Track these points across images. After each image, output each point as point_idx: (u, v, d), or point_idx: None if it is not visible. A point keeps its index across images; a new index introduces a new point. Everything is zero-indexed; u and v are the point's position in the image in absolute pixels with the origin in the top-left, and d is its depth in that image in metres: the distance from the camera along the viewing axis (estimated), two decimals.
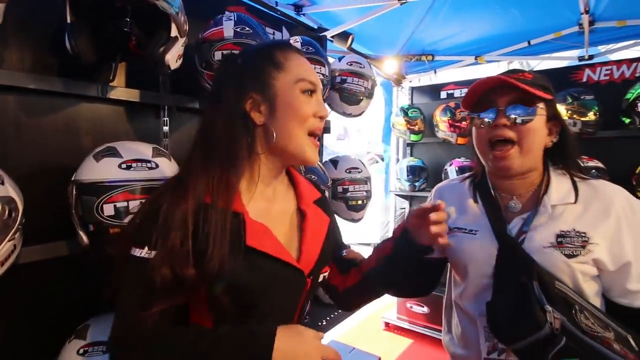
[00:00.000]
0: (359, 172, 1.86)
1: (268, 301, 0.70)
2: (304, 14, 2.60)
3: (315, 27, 2.66)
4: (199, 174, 0.69)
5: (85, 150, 1.05)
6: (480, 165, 0.97)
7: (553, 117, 0.89)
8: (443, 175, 3.26)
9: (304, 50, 1.50)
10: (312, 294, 0.83)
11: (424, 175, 3.38)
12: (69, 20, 0.92)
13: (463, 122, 3.08)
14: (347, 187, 1.81)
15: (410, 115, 3.36)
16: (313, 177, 1.53)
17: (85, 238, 0.93)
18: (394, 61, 3.47)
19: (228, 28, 1.21)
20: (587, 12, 2.30)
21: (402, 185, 3.40)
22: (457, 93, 3.52)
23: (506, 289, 0.82)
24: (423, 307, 3.28)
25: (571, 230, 0.82)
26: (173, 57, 1.04)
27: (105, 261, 0.94)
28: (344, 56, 2.01)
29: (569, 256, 0.81)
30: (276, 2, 2.40)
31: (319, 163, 1.65)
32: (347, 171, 1.84)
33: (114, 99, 1.20)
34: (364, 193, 1.85)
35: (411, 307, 3.33)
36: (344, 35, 2.53)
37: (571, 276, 0.81)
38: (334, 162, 1.89)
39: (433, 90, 3.71)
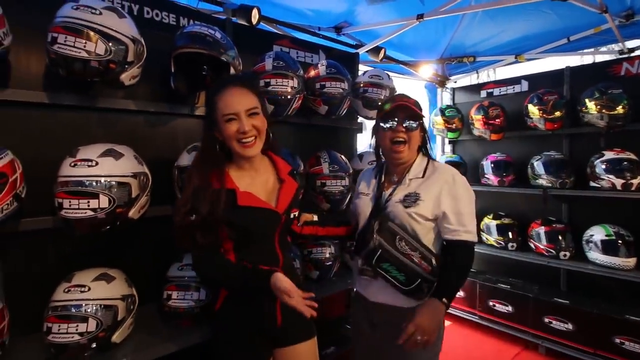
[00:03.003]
0: None
1: (259, 230, 1.26)
2: (344, 34, 3.09)
3: (354, 43, 3.14)
4: (199, 170, 1.21)
5: (180, 148, 1.68)
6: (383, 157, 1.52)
7: (423, 127, 1.43)
8: (479, 169, 3.49)
9: (327, 72, 2.00)
10: (287, 226, 1.38)
11: (462, 170, 3.61)
12: (172, 70, 1.54)
13: (497, 120, 3.28)
14: None
15: (447, 114, 3.63)
16: (335, 166, 2.02)
17: None
18: (431, 65, 3.76)
19: (268, 63, 1.77)
20: (604, 11, 2.40)
21: None
22: (496, 92, 3.67)
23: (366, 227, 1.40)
24: (459, 291, 3.52)
25: (413, 193, 1.36)
26: None
27: None
28: (375, 67, 2.45)
29: (405, 207, 1.35)
30: (319, 28, 2.95)
31: (342, 156, 2.12)
32: (370, 163, 2.28)
33: (199, 115, 1.81)
34: None
35: None
36: (376, 50, 2.96)
37: (407, 219, 1.34)
38: (360, 156, 2.37)
39: (473, 90, 3.90)
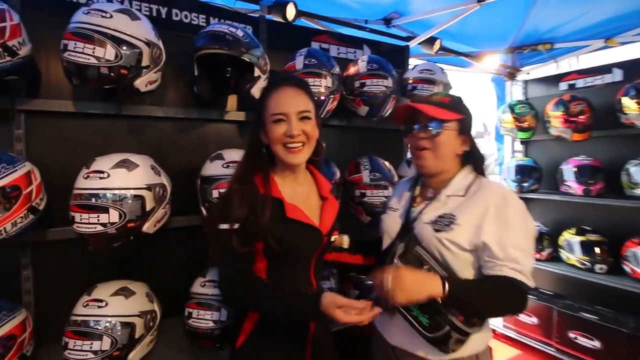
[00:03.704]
0: None
1: (299, 248, 1.09)
2: (394, 26, 2.82)
3: (405, 36, 2.85)
4: (242, 173, 1.09)
5: (210, 154, 1.59)
6: None
7: (464, 131, 1.14)
8: (557, 175, 2.98)
9: (368, 68, 1.78)
10: (326, 249, 1.19)
11: (536, 175, 3.13)
12: (195, 73, 1.45)
13: (581, 116, 2.76)
14: None
15: (517, 111, 3.17)
16: (377, 174, 1.80)
17: (204, 211, 1.45)
18: (498, 55, 3.32)
19: (299, 62, 1.61)
20: None
21: (509, 186, 3.22)
22: (579, 83, 3.11)
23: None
24: (532, 317, 3.05)
25: (448, 214, 1.08)
26: (257, 90, 1.48)
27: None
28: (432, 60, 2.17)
29: (436, 230, 1.07)
30: (366, 21, 2.72)
31: (386, 162, 1.89)
32: None
33: (229, 120, 1.72)
34: None
35: (518, 316, 3.13)
36: (430, 41, 2.65)
37: (436, 245, 1.07)
38: (408, 162, 2.11)
39: (551, 82, 3.35)
